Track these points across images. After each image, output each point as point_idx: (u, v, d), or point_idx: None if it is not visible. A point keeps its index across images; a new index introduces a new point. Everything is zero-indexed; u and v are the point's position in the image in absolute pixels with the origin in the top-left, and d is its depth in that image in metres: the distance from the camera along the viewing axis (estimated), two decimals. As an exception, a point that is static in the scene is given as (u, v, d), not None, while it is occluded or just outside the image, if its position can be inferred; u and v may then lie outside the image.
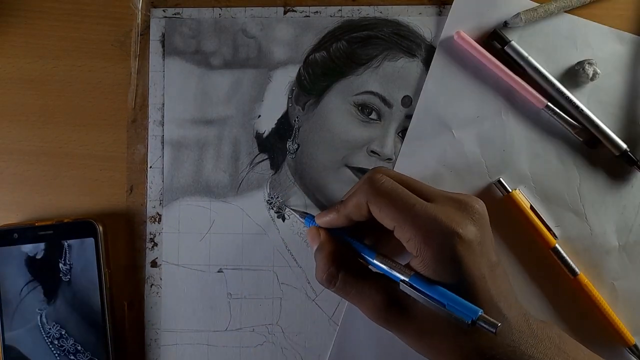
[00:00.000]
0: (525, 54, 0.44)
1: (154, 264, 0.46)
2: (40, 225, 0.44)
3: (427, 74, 0.45)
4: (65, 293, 0.44)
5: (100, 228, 0.44)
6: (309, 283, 0.45)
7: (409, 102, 0.45)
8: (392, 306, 0.34)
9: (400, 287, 0.34)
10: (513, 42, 0.44)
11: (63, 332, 0.44)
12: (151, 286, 0.45)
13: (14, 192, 0.46)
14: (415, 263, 0.34)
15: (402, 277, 0.34)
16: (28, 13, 0.47)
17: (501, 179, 0.44)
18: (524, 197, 0.43)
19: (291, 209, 0.45)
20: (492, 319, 0.31)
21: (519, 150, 0.45)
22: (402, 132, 0.45)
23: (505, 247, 0.44)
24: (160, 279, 0.45)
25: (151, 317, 0.45)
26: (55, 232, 0.44)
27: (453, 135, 0.45)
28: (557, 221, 0.44)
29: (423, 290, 0.32)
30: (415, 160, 0.45)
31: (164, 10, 0.46)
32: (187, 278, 0.45)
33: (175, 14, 0.46)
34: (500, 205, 0.44)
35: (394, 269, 0.35)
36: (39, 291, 0.44)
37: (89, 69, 0.46)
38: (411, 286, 0.33)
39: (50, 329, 0.44)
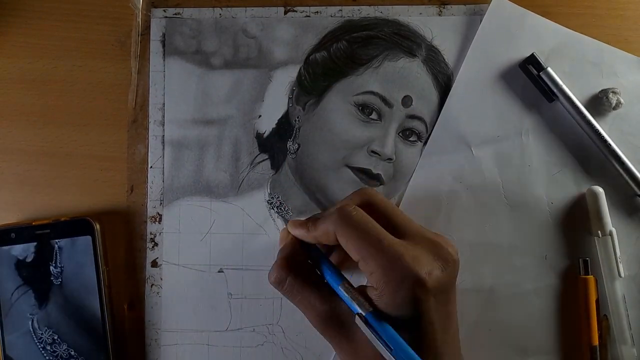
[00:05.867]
0: (560, 82, 0.43)
1: (154, 264, 0.46)
2: (37, 225, 0.44)
3: (451, 88, 0.45)
4: (56, 297, 0.43)
5: (97, 226, 0.44)
6: (309, 283, 0.45)
7: (409, 102, 0.45)
8: (333, 318, 0.35)
9: (355, 320, 0.33)
10: (549, 69, 0.43)
11: (56, 337, 0.43)
12: (151, 286, 0.45)
13: (14, 192, 0.46)
14: (373, 294, 0.34)
15: (359, 311, 0.33)
16: (28, 13, 0.47)
17: None
18: None
19: (280, 215, 0.45)
20: None
21: (537, 173, 0.44)
22: (403, 132, 0.45)
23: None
24: (161, 279, 0.45)
25: (151, 317, 0.45)
26: (53, 231, 0.44)
27: (472, 153, 0.45)
28: (572, 245, 0.44)
29: (375, 329, 0.32)
30: (432, 175, 0.45)
31: (164, 10, 0.46)
32: (187, 278, 0.45)
33: (175, 14, 0.46)
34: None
35: (354, 301, 0.34)
36: (30, 295, 0.43)
37: (90, 69, 0.46)
38: (365, 322, 0.33)
39: (42, 334, 0.43)
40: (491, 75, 0.45)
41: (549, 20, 0.45)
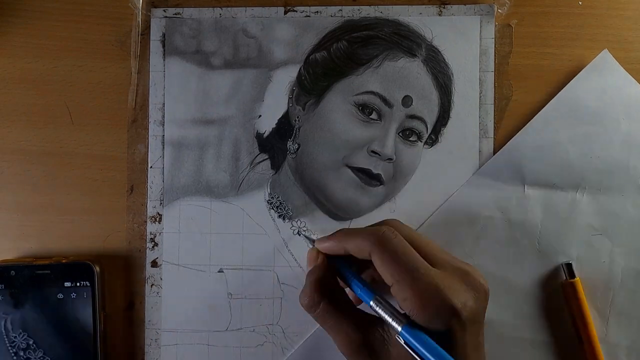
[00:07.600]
0: None
1: (154, 263, 0.46)
2: (38, 265, 0.43)
3: (532, 119, 0.45)
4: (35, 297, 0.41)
5: (97, 269, 0.43)
6: (309, 283, 0.45)
7: (409, 102, 0.45)
8: (364, 347, 0.34)
9: (396, 336, 0.33)
10: None
11: (30, 342, 0.41)
12: (151, 286, 0.45)
13: (15, 192, 0.46)
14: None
15: (395, 326, 0.33)
16: (28, 13, 0.47)
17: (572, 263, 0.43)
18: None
19: (304, 235, 0.45)
20: None
21: (577, 232, 0.44)
22: (403, 132, 0.45)
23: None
24: (161, 279, 0.45)
25: (151, 317, 0.45)
26: (53, 272, 0.43)
27: (523, 190, 0.44)
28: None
29: (414, 344, 0.32)
30: (477, 196, 0.44)
31: (164, 10, 0.46)
32: (187, 278, 0.45)
33: (175, 14, 0.46)
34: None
35: (388, 315, 0.34)
36: (5, 293, 0.41)
37: (90, 69, 0.46)
38: (403, 337, 0.33)
39: (15, 337, 0.41)
40: (572, 125, 0.44)
41: None
